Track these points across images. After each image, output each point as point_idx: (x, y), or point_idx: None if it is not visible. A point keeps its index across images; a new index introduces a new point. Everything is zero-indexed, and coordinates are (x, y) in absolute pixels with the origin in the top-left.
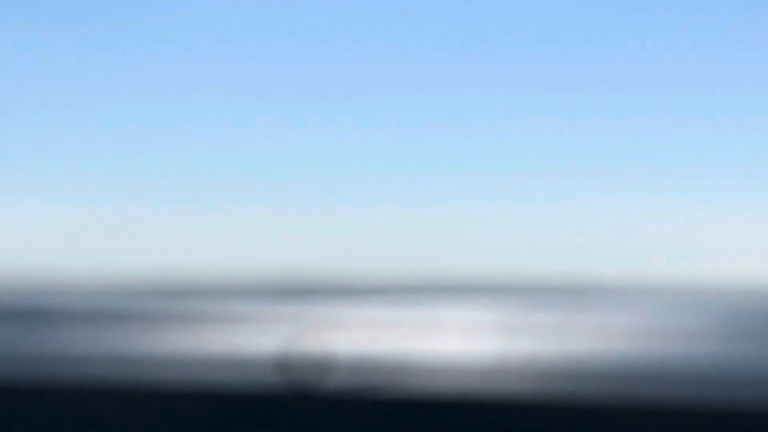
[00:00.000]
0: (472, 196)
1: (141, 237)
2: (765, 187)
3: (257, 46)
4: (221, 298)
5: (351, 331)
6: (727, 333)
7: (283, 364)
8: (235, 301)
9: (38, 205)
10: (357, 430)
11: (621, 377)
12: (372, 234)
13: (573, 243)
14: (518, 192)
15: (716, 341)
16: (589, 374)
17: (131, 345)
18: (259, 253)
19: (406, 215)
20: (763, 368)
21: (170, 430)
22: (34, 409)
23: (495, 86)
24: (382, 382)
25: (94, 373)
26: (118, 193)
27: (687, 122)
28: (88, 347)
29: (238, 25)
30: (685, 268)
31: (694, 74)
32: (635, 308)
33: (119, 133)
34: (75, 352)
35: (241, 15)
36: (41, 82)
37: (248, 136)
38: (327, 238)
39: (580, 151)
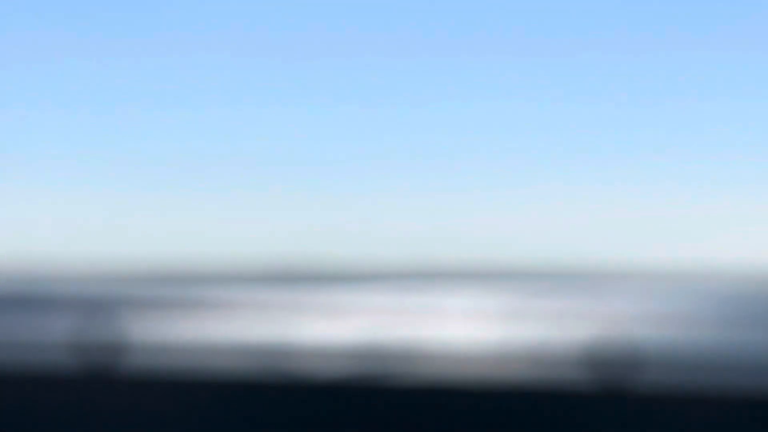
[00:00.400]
0: (473, 181)
1: (138, 224)
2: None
3: (253, 29)
4: (218, 285)
5: (351, 317)
6: (733, 319)
7: (282, 351)
8: (231, 288)
9: (33, 192)
10: (356, 420)
11: (625, 364)
12: (371, 220)
13: (576, 228)
14: (519, 177)
15: (722, 327)
16: (593, 361)
17: (127, 332)
18: (257, 240)
19: (406, 201)
20: None
21: (169, 422)
22: (32, 397)
23: (497, 71)
24: (381, 370)
25: (82, 360)
26: (113, 179)
27: (686, 107)
28: (81, 334)
29: (234, 8)
30: (691, 253)
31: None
32: (640, 294)
33: (113, 120)
34: (69, 339)
35: None
36: (34, 70)
37: (246, 122)
38: (325, 224)
39: (580, 140)
